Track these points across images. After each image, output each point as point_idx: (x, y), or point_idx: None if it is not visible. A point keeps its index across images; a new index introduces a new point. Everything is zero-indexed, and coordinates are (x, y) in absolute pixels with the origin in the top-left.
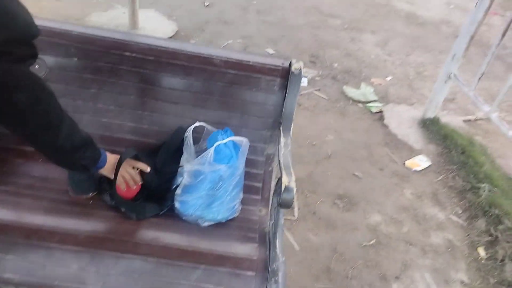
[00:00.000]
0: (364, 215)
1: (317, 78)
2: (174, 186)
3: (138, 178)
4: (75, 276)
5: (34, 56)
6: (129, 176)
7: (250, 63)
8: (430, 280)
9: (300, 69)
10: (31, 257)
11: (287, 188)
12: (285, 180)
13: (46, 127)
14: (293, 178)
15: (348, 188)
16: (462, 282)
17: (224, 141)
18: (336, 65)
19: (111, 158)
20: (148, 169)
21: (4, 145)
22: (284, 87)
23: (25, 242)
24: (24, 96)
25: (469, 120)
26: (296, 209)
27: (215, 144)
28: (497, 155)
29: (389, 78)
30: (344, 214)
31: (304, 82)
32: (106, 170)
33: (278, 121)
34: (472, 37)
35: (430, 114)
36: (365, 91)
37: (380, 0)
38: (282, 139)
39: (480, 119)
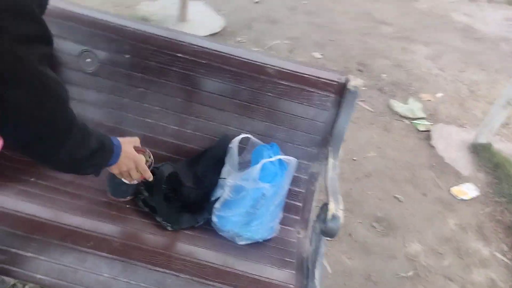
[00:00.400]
0: (403, 243)
1: (363, 88)
2: (213, 198)
3: (137, 175)
4: (105, 284)
5: (43, 40)
6: (127, 173)
7: (305, 75)
8: None
9: (357, 87)
10: (64, 260)
11: (334, 217)
12: (332, 208)
13: (45, 137)
14: (341, 205)
15: (388, 211)
16: None
17: (272, 159)
18: (384, 75)
19: (125, 157)
20: (151, 179)
21: None
22: (338, 105)
23: (60, 243)
24: (20, 94)
25: None
26: None
27: (262, 162)
28: None
29: (439, 94)
30: (382, 239)
31: (360, 90)
32: (120, 165)
33: (326, 139)
34: None
35: (483, 139)
36: (412, 107)
37: (436, 10)
38: (331, 160)
39: None
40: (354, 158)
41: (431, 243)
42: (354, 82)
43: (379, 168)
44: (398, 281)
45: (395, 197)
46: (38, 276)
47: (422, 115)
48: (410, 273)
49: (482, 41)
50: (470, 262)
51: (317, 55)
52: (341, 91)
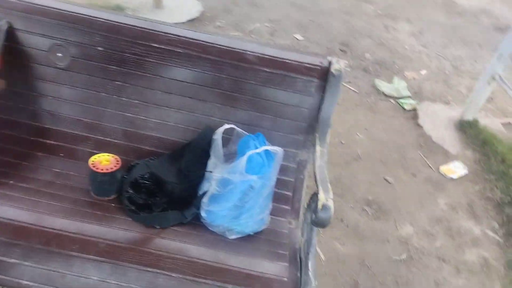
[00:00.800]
0: (395, 226)
1: (348, 69)
2: (200, 193)
3: None
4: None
5: None
6: None
7: (286, 61)
8: None
9: (341, 70)
10: (50, 265)
11: (324, 207)
12: (322, 198)
13: None
14: (331, 194)
15: (379, 194)
16: None
17: (258, 150)
18: (368, 55)
19: None
20: None
21: (24, 136)
22: (322, 89)
23: (44, 248)
24: None
25: (509, 123)
26: None
27: (248, 153)
28: None
29: (423, 71)
30: (374, 222)
31: (345, 72)
32: None
33: (313, 126)
34: None
35: (469, 116)
36: (398, 86)
37: None
38: (318, 148)
39: None
40: (342, 142)
41: (423, 225)
42: (337, 65)
43: (367, 150)
44: (392, 264)
45: (385, 179)
46: (24, 282)
47: (408, 93)
48: (404, 256)
49: (463, 15)
50: (462, 241)
51: (299, 37)
52: (324, 75)
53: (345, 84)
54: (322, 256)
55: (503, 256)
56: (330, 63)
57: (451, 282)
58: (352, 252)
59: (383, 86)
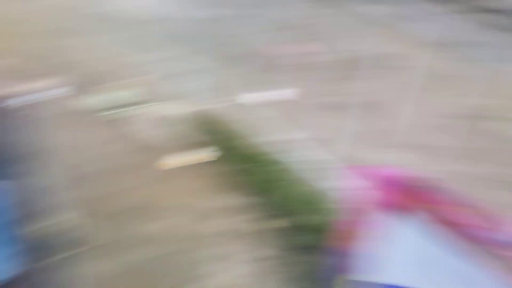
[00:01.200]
0: (155, 225)
1: (62, 91)
2: None
3: None
4: None
5: None
6: None
7: None
8: (228, 268)
9: (18, 97)
10: None
11: (43, 237)
12: (40, 227)
13: None
14: (54, 221)
15: (131, 201)
16: (261, 258)
17: None
18: (78, 72)
19: None
20: None
21: None
22: (9, 118)
23: None
24: None
25: (227, 105)
26: (83, 241)
27: None
28: (259, 133)
29: (138, 78)
30: (142, 227)
31: (55, 93)
32: None
33: (30, 154)
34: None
35: (191, 108)
36: (114, 97)
37: (62, 4)
38: (31, 179)
39: (236, 103)
40: (74, 163)
41: (175, 215)
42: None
43: (100, 165)
44: (156, 261)
45: (124, 188)
46: None
47: (127, 102)
48: (166, 250)
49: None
50: (209, 216)
51: None
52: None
53: (61, 105)
54: (90, 279)
55: (250, 218)
56: (12, 93)
57: (212, 254)
58: (119, 266)
59: (99, 100)
